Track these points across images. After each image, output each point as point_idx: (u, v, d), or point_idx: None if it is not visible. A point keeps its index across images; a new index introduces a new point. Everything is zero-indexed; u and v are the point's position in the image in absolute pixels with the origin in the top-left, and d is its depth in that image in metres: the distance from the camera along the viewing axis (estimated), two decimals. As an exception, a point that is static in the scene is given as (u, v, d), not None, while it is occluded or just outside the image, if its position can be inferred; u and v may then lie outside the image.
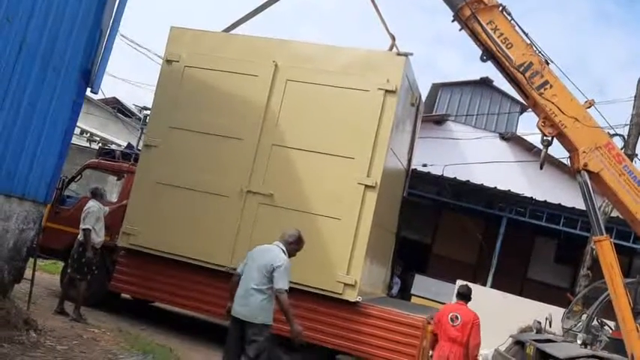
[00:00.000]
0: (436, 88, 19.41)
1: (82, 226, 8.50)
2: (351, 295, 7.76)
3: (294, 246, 5.98)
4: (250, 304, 5.61)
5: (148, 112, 9.66)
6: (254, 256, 5.79)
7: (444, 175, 14.36)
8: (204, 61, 8.82)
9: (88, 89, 7.91)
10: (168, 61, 8.99)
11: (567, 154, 9.17)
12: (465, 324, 7.24)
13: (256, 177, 8.31)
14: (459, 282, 6.05)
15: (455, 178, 14.09)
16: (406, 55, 8.26)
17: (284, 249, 5.85)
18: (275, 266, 5.62)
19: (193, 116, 8.72)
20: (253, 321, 5.59)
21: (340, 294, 7.76)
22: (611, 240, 8.67)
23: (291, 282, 7.72)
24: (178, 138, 8.72)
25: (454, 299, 5.89)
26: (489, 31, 8.48)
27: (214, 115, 8.64)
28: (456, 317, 7.29)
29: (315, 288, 7.87)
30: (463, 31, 8.66)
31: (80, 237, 8.48)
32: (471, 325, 7.26)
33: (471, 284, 12.55)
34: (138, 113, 26.79)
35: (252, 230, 8.21)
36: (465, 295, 7.43)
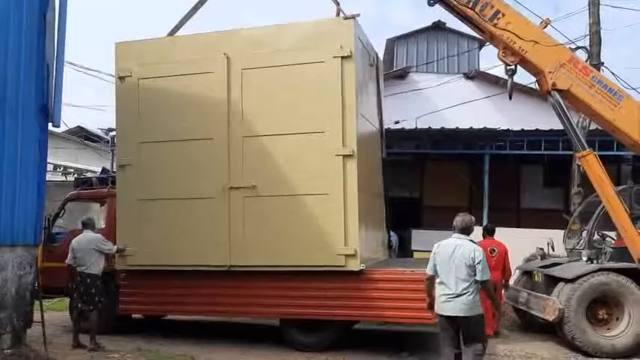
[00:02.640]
0: (392, 43, 19.28)
1: (67, 261, 8.53)
2: (354, 265, 7.83)
3: (471, 229, 6.07)
4: (464, 300, 5.71)
5: (115, 132, 9.55)
6: (445, 254, 5.83)
7: (418, 127, 14.38)
8: (156, 69, 8.70)
9: (50, 124, 7.82)
10: (120, 78, 8.85)
11: (534, 79, 9.24)
12: (500, 254, 9.46)
13: (235, 172, 8.28)
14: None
15: (429, 127, 14.13)
16: (353, 17, 8.16)
17: (470, 239, 5.94)
18: (478, 260, 5.73)
19: (159, 127, 8.65)
20: (471, 314, 5.72)
21: (343, 266, 7.83)
22: (595, 153, 8.80)
23: (293, 265, 7.95)
24: (149, 151, 8.65)
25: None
26: None
27: (179, 120, 8.57)
28: (493, 250, 9.36)
29: (317, 266, 7.93)
30: None
31: (81, 269, 8.47)
32: (504, 254, 9.55)
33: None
34: (105, 136, 26.49)
35: (242, 224, 8.23)
36: (491, 231, 9.38)
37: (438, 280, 5.87)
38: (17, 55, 7.28)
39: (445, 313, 5.77)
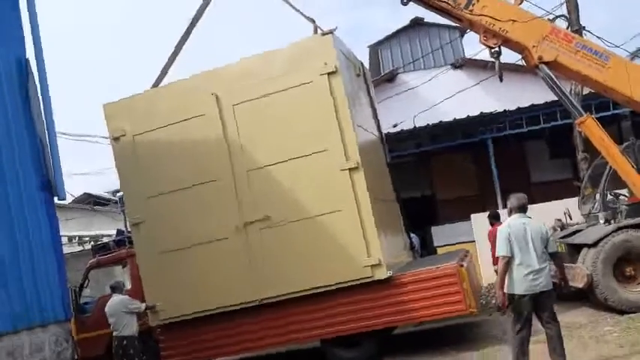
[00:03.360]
0: (375, 49, 19.41)
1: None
2: (381, 274, 7.86)
3: (527, 206, 6.28)
4: (545, 274, 5.92)
5: (121, 193, 9.69)
6: (519, 234, 5.98)
7: (417, 126, 14.44)
8: (148, 123, 8.76)
9: (55, 198, 7.89)
10: (115, 139, 8.90)
11: (520, 56, 9.28)
12: None
13: (247, 207, 8.33)
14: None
15: (427, 124, 14.18)
16: (331, 32, 8.23)
17: (530, 216, 6.15)
18: (549, 234, 6.10)
19: (163, 178, 8.71)
20: (549, 289, 5.96)
21: (371, 276, 7.86)
22: (593, 116, 8.82)
23: (323, 286, 7.97)
24: (159, 204, 8.70)
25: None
26: None
27: (181, 168, 8.64)
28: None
29: (346, 282, 7.95)
30: None
31: (116, 333, 8.53)
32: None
33: (481, 214, 12.84)
34: (113, 197, 26.65)
35: (264, 256, 8.27)
36: (496, 216, 9.02)
37: (516, 262, 5.93)
38: (8, 136, 7.26)
39: (534, 291, 5.87)
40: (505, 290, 6.06)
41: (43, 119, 7.77)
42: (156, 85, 9.25)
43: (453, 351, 8.16)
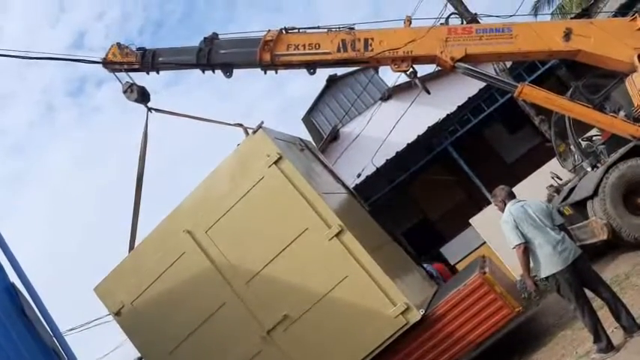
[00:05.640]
0: (307, 118, 19.94)
1: None
2: (415, 316, 7.69)
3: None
4: (569, 241, 5.99)
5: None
6: (523, 218, 6.05)
7: (378, 167, 14.62)
8: (140, 284, 8.69)
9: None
10: (117, 314, 8.80)
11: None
12: None
13: (262, 316, 8.19)
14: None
15: (386, 160, 14.38)
16: (259, 127, 8.47)
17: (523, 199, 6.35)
18: (550, 207, 6.28)
19: (175, 328, 8.53)
20: (580, 252, 5.97)
21: (407, 323, 7.69)
22: (526, 83, 9.03)
23: (367, 355, 7.76)
24: (183, 354, 8.48)
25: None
26: (295, 52, 8.90)
27: (187, 310, 8.50)
28: None
29: (386, 341, 7.76)
30: (280, 71, 9.06)
31: None
32: None
33: (479, 215, 12.87)
34: (137, 361, 25.92)
35: (301, 353, 8.04)
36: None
37: (535, 243, 5.94)
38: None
39: (568, 262, 5.84)
40: (542, 275, 6.03)
41: (47, 328, 7.74)
42: (131, 247, 9.26)
43: (523, 358, 7.91)
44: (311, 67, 9.14)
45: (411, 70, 8.90)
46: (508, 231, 6.09)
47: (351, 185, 10.70)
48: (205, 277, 8.42)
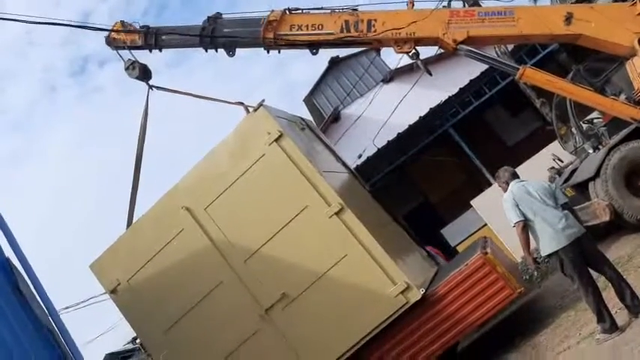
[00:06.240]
0: (310, 100, 19.81)
1: None
2: (415, 295, 7.60)
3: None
4: (572, 220, 5.95)
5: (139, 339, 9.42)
6: (525, 196, 6.03)
7: (379, 148, 14.54)
8: (136, 262, 8.60)
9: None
10: (112, 291, 8.72)
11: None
12: None
13: (260, 294, 8.12)
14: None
15: (387, 141, 14.30)
16: (260, 105, 8.39)
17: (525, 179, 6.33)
18: (553, 186, 6.30)
19: (171, 306, 8.46)
20: (584, 232, 5.93)
21: (407, 302, 7.60)
22: (528, 65, 9.00)
23: (367, 334, 7.69)
24: (179, 332, 8.41)
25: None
26: (298, 33, 8.86)
27: (184, 288, 8.42)
28: None
29: (387, 320, 7.68)
30: (284, 51, 9.03)
31: None
32: None
33: (480, 197, 12.81)
34: (133, 344, 26.01)
35: (300, 332, 7.97)
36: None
37: (537, 221, 5.89)
38: (16, 338, 7.15)
39: (571, 239, 5.79)
40: (544, 253, 5.96)
41: (42, 306, 7.67)
42: (128, 224, 9.17)
43: (525, 339, 7.79)
44: (314, 47, 9.13)
45: (414, 51, 8.87)
46: (508, 209, 6.07)
47: (352, 166, 10.61)
48: (203, 254, 8.34)
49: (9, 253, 7.75)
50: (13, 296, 7.46)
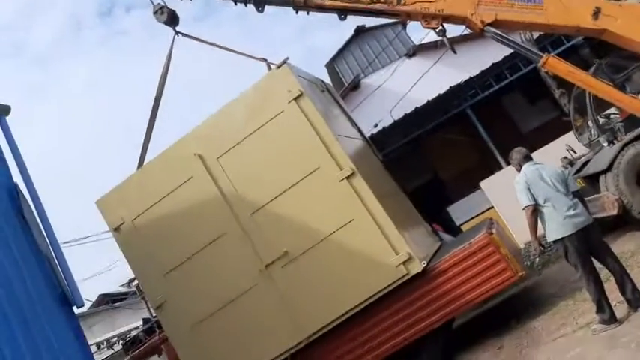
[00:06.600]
0: (331, 66, 19.72)
1: None
2: (416, 267, 7.62)
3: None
4: (581, 209, 5.94)
5: (136, 281, 9.53)
6: (537, 180, 5.99)
7: (396, 120, 14.47)
8: (143, 203, 8.66)
9: (75, 307, 7.75)
10: (116, 229, 8.78)
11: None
12: None
13: (262, 250, 8.15)
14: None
15: (404, 114, 14.22)
16: (284, 62, 8.35)
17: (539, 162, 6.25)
18: (567, 174, 6.22)
19: (172, 251, 8.52)
20: (592, 222, 5.93)
21: (407, 274, 7.62)
22: (552, 54, 8.91)
23: (362, 302, 7.72)
24: (177, 277, 8.49)
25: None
26: None
27: (188, 235, 8.47)
28: None
29: (385, 288, 7.71)
30: (312, 14, 8.97)
31: None
32: None
33: (490, 179, 12.78)
34: (129, 288, 26.42)
35: (296, 292, 8.03)
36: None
37: (547, 206, 5.87)
38: (14, 263, 7.24)
39: (578, 228, 5.78)
40: (550, 238, 5.95)
41: (44, 235, 7.75)
42: (140, 165, 9.22)
43: (520, 323, 7.83)
44: (342, 13, 9.07)
45: (441, 28, 8.80)
46: (519, 192, 6.04)
47: (367, 134, 10.57)
48: (210, 203, 8.37)
49: (18, 180, 7.85)
50: (16, 221, 7.56)
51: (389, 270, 7.64)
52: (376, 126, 14.55)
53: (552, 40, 13.36)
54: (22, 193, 7.87)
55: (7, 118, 8.15)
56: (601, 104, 9.41)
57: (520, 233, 11.34)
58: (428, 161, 16.92)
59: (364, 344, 7.89)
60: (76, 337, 7.56)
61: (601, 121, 9.82)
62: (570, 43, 13.68)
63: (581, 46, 14.45)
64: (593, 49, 14.02)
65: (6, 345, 6.39)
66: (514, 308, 8.76)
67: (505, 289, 7.96)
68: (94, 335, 21.38)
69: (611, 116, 9.77)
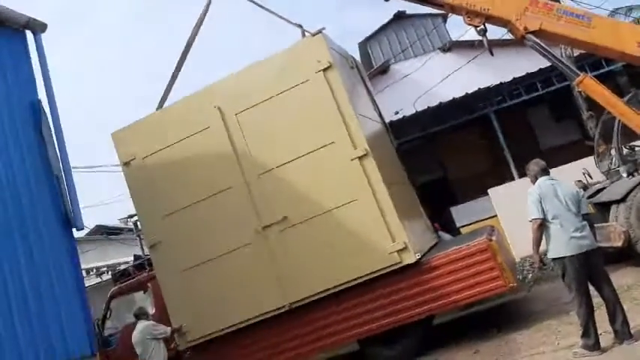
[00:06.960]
0: (364, 45, 19.51)
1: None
2: (409, 258, 7.68)
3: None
4: (588, 232, 5.85)
5: (136, 217, 9.65)
6: (551, 195, 5.91)
7: (417, 110, 14.39)
8: (156, 143, 8.75)
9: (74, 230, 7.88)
10: (126, 164, 8.89)
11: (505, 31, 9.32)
12: None
13: (262, 211, 8.23)
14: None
15: (427, 107, 14.13)
16: (320, 31, 8.31)
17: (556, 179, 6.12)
18: (581, 195, 6.10)
19: (176, 195, 8.63)
20: (596, 247, 5.88)
21: (399, 262, 7.68)
22: (589, 75, 8.79)
23: (351, 280, 7.79)
24: (175, 222, 8.61)
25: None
26: None
27: (193, 182, 8.57)
28: None
29: (375, 272, 7.77)
30: None
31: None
32: None
33: (498, 188, 12.74)
34: (126, 225, 26.65)
35: (287, 258, 8.13)
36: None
37: (555, 223, 5.83)
38: (25, 176, 7.38)
39: (581, 251, 5.73)
40: (551, 256, 5.92)
41: (58, 156, 7.85)
42: (160, 106, 9.26)
43: (501, 333, 7.83)
44: None
45: (482, 27, 8.70)
46: (531, 203, 5.98)
47: (387, 120, 10.51)
48: (221, 156, 8.44)
49: (42, 96, 7.92)
50: (33, 135, 7.66)
51: (383, 255, 7.70)
52: (397, 113, 14.44)
53: (592, 61, 13.17)
54: (43, 109, 7.93)
55: (43, 35, 8.21)
56: (628, 134, 9.27)
57: (518, 247, 11.35)
58: (439, 158, 16.84)
59: (346, 322, 7.98)
60: (71, 258, 7.70)
61: (625, 151, 9.73)
62: (609, 68, 13.54)
63: (619, 73, 14.31)
64: (632, 77, 13.88)
65: (6, 262, 6.55)
66: (498, 318, 8.80)
67: (493, 297, 7.97)
68: (86, 262, 21.64)
69: (636, 148, 9.68)
